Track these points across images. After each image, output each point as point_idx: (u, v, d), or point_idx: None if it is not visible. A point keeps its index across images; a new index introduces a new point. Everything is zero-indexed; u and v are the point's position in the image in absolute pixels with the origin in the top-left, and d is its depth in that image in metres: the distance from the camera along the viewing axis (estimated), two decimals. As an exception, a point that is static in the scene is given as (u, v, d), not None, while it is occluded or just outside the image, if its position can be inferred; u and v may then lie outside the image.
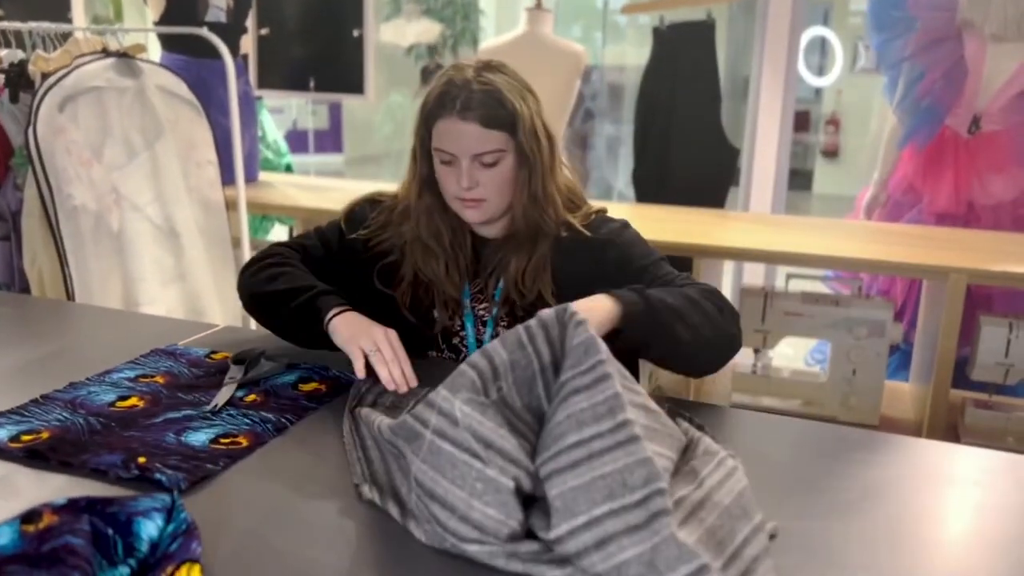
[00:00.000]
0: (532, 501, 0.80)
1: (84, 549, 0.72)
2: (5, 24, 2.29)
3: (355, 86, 3.40)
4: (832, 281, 2.95)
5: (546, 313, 0.88)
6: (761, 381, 2.50)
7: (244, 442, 1.04)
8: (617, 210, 3.02)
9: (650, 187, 3.25)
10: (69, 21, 3.45)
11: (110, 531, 0.77)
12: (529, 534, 0.79)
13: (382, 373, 1.15)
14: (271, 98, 4.14)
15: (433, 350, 1.38)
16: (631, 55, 8.11)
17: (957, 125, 2.75)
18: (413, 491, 0.85)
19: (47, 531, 0.74)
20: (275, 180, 3.42)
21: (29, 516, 0.75)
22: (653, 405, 0.90)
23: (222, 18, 3.02)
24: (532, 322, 0.88)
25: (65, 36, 2.31)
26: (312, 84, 3.46)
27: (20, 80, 2.15)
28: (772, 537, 0.84)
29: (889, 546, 0.85)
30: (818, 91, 8.96)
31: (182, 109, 2.38)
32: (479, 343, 1.34)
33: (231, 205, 2.54)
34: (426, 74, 9.50)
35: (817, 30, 7.37)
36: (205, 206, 2.43)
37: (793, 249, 2.32)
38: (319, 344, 1.25)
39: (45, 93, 2.04)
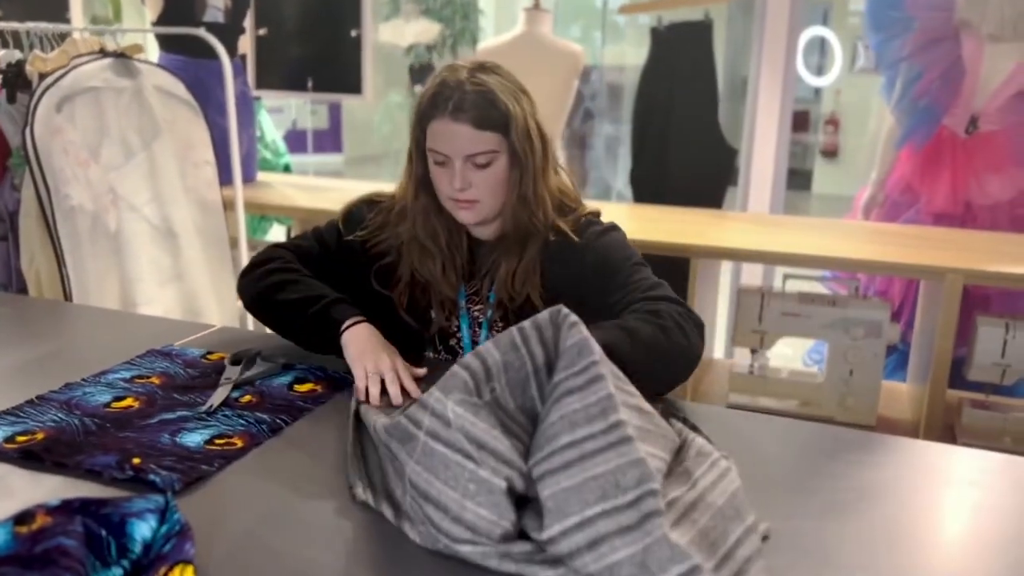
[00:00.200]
0: (525, 502, 0.80)
1: (77, 550, 0.72)
2: (2, 24, 2.29)
3: (353, 86, 3.40)
4: (830, 281, 2.95)
5: (540, 315, 0.89)
6: (758, 381, 2.50)
7: (239, 443, 1.04)
8: (615, 210, 3.05)
9: (648, 187, 3.25)
10: (67, 21, 3.45)
11: (103, 532, 0.77)
12: (522, 535, 0.79)
13: (372, 392, 1.15)
14: (269, 98, 4.14)
15: (430, 351, 1.38)
16: (630, 55, 8.10)
17: (954, 125, 2.75)
18: (408, 492, 0.85)
19: (40, 532, 0.74)
20: (273, 180, 3.42)
21: (22, 517, 0.75)
22: (647, 406, 0.91)
23: (220, 18, 3.02)
24: (526, 323, 0.88)
25: (63, 36, 2.31)
26: (310, 84, 3.46)
27: (17, 80, 2.15)
28: (765, 538, 0.84)
29: (885, 547, 0.85)
30: (817, 91, 8.96)
31: (179, 109, 2.38)
32: (475, 344, 1.34)
33: (229, 205, 2.54)
34: (414, 74, 9.49)
35: (816, 30, 7.36)
36: (202, 206, 2.43)
37: (790, 249, 2.32)
38: (331, 351, 1.26)
39: (42, 93, 2.04)
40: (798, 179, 8.65)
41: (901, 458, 1.07)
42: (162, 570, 0.75)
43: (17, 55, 2.22)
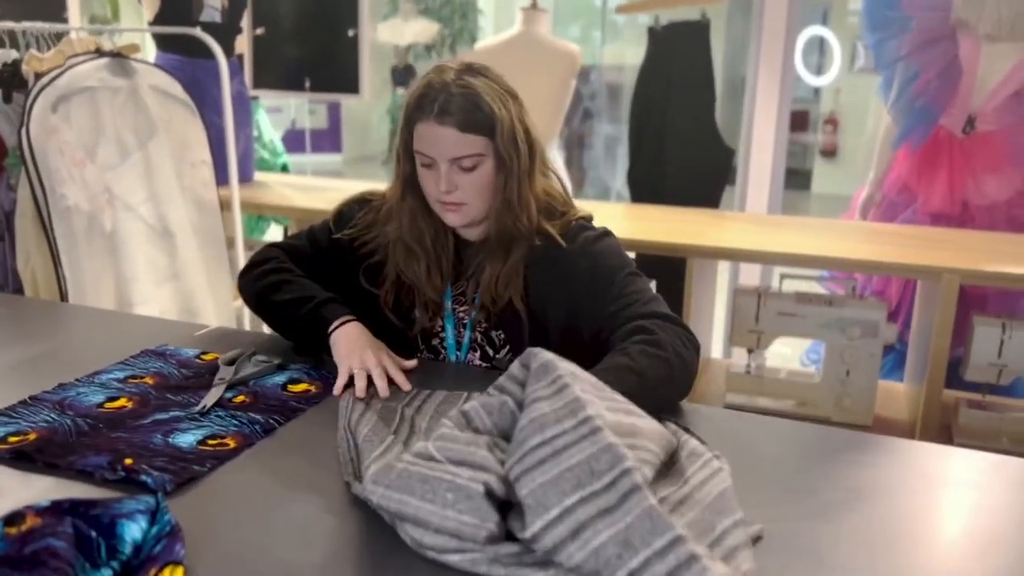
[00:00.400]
0: (508, 507, 0.81)
1: (66, 551, 0.72)
2: (-1, 24, 2.29)
3: (351, 86, 3.40)
4: (827, 281, 2.95)
5: (512, 365, 0.91)
6: (755, 381, 2.50)
7: (232, 443, 1.04)
8: (613, 210, 3.04)
9: (645, 187, 3.25)
10: (65, 21, 3.45)
11: (93, 533, 0.77)
12: (510, 537, 0.79)
13: (358, 385, 1.18)
14: (267, 98, 4.14)
15: (414, 351, 1.38)
16: (630, 55, 8.11)
17: (951, 125, 2.75)
18: (380, 511, 0.86)
19: (29, 533, 0.74)
20: (270, 180, 3.42)
21: (11, 518, 0.75)
22: (639, 410, 0.91)
23: (217, 18, 3.01)
24: (500, 378, 0.91)
25: (59, 36, 2.31)
26: (307, 84, 3.46)
27: (13, 80, 2.15)
28: (759, 539, 0.84)
29: (881, 547, 0.85)
30: (817, 91, 8.97)
31: (176, 109, 2.37)
32: (458, 345, 1.35)
33: (225, 205, 2.54)
34: (396, 75, 9.48)
35: (815, 30, 7.35)
36: (199, 206, 2.43)
37: (787, 249, 2.32)
38: (324, 350, 1.28)
39: (38, 93, 2.04)
40: (797, 179, 8.66)
41: (897, 458, 1.07)
42: (152, 571, 0.74)
43: (13, 55, 2.21)
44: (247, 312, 2.60)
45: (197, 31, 2.44)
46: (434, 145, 1.22)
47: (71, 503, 0.79)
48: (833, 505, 0.93)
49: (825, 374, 2.39)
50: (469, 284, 1.34)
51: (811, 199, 8.87)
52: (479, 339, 1.34)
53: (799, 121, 8.67)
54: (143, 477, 0.93)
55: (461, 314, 1.35)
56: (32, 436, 1.04)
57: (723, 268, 3.42)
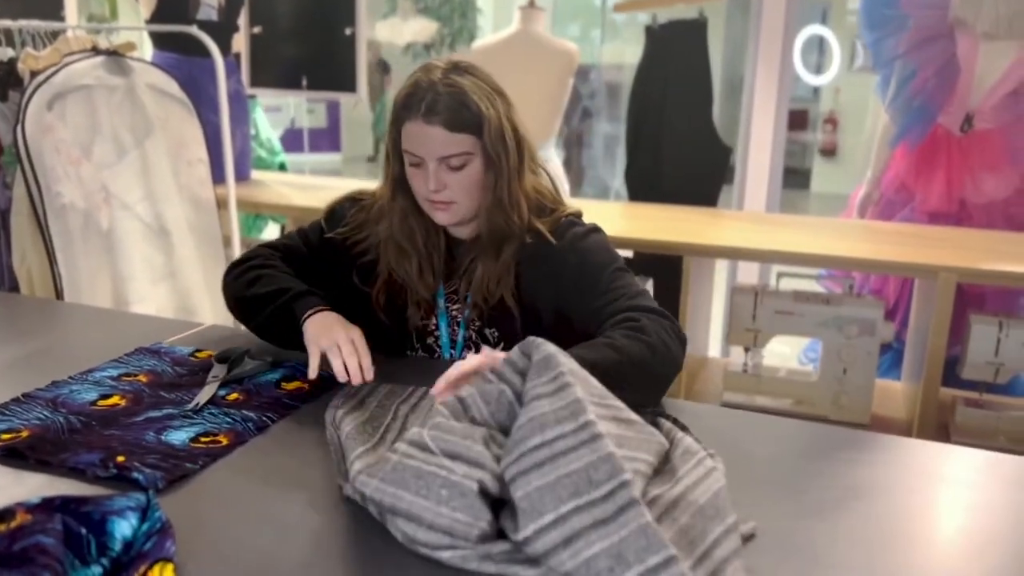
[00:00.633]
0: (501, 505, 0.80)
1: (55, 548, 0.71)
2: (-5, 22, 2.29)
3: (348, 84, 3.39)
4: (824, 280, 2.95)
5: (512, 351, 0.90)
6: (752, 380, 2.50)
7: (224, 441, 1.04)
8: (611, 209, 3.04)
9: (643, 186, 3.24)
10: (62, 19, 3.44)
11: (83, 530, 0.76)
12: (502, 535, 0.79)
13: (334, 364, 1.14)
14: (264, 96, 4.13)
15: (408, 349, 1.37)
16: (629, 54, 8.11)
17: (949, 123, 2.75)
18: (372, 506, 0.85)
19: (19, 530, 0.73)
20: (267, 178, 3.42)
21: (2, 515, 0.75)
22: (632, 416, 0.90)
23: (214, 16, 3.01)
24: (498, 365, 0.90)
25: (55, 34, 2.31)
26: (305, 83, 3.45)
27: (9, 78, 2.15)
28: (751, 538, 0.84)
29: (878, 546, 0.84)
30: (816, 90, 8.97)
31: (172, 107, 2.37)
32: (453, 343, 1.34)
33: (222, 203, 2.54)
34: (371, 71, 9.44)
35: (815, 29, 7.35)
36: (196, 204, 2.43)
37: (784, 248, 2.32)
38: (298, 344, 1.25)
39: (34, 91, 2.04)
40: (797, 178, 8.66)
41: (895, 457, 1.07)
42: (142, 568, 0.74)
43: (9, 53, 2.21)
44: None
45: (194, 29, 2.44)
46: (422, 144, 1.21)
47: (62, 500, 0.78)
48: (830, 503, 0.93)
49: (822, 373, 2.38)
50: (461, 282, 1.34)
51: (810, 198, 8.87)
52: (473, 337, 1.33)
53: (798, 120, 8.67)
54: (135, 474, 0.93)
55: (454, 312, 1.34)
56: (25, 433, 1.04)
57: (721, 266, 3.42)
